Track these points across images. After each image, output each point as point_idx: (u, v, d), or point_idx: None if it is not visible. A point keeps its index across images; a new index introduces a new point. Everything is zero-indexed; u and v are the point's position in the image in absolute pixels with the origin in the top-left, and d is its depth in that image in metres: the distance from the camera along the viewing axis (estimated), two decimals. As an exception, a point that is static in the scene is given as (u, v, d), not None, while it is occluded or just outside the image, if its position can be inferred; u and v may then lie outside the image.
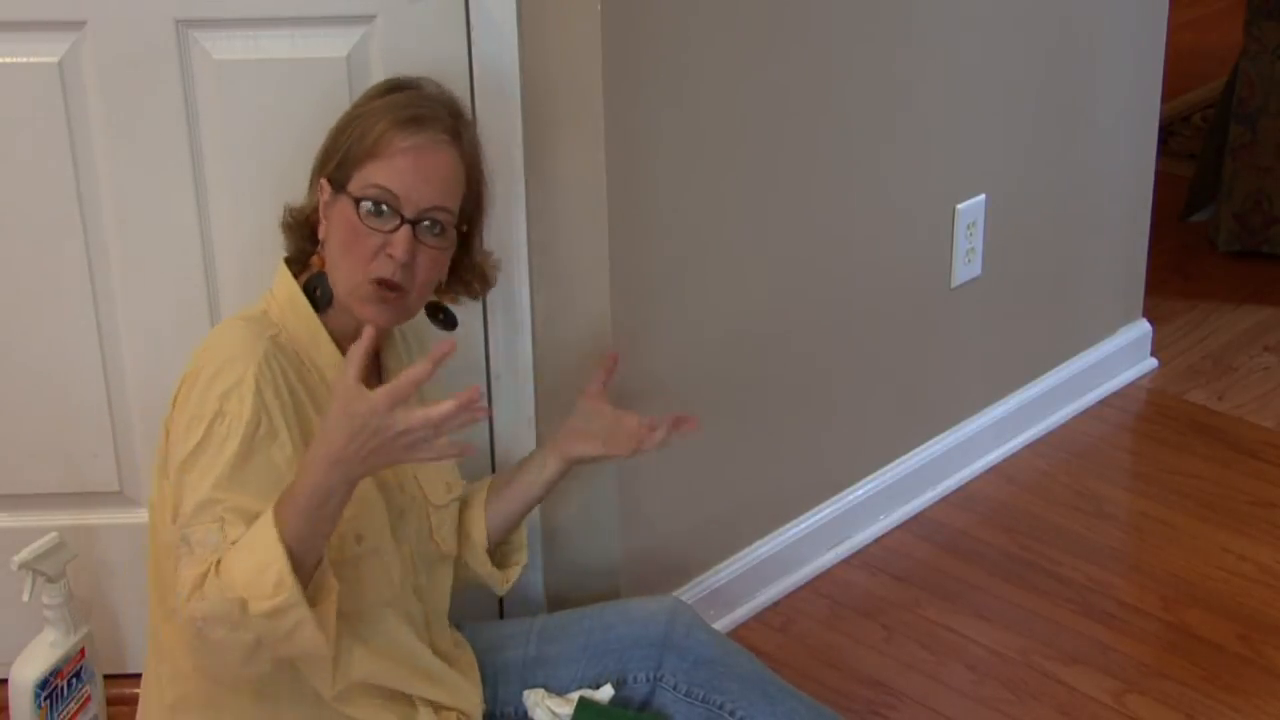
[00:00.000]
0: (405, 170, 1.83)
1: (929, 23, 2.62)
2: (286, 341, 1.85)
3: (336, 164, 1.86)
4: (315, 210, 1.90)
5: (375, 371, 1.96)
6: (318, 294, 1.88)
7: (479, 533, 2.13)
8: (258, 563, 1.67)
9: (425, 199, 1.84)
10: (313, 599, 1.70)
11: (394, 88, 1.92)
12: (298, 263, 1.94)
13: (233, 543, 1.71)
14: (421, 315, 1.98)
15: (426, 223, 1.85)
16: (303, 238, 1.93)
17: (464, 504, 2.14)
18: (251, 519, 1.71)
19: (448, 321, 2.00)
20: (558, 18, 2.15)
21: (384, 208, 1.83)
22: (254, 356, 1.79)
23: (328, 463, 1.66)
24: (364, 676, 1.89)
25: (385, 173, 1.83)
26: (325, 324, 1.89)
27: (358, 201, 1.83)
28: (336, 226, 1.86)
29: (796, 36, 2.40)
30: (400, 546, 1.95)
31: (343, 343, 1.88)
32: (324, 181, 1.88)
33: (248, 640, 1.69)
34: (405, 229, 1.83)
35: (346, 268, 1.85)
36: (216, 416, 1.75)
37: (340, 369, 1.79)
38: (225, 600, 1.67)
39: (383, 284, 1.84)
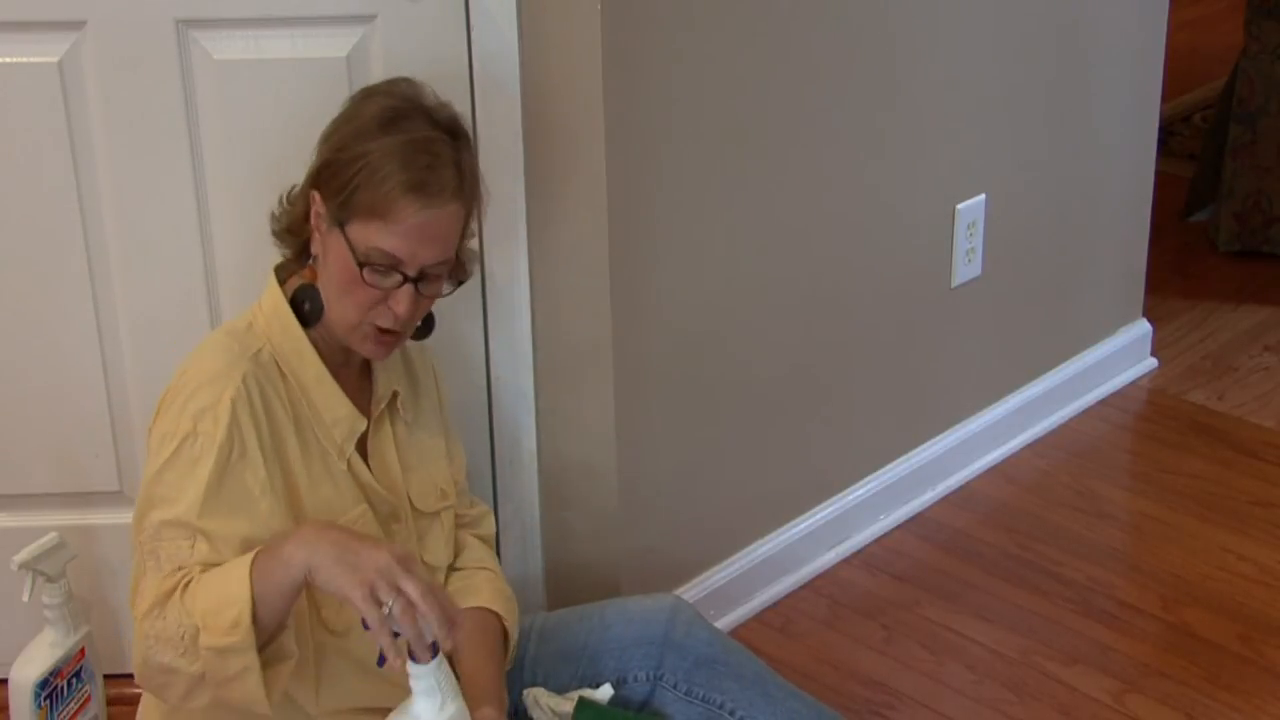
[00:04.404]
0: (412, 238, 1.79)
1: (929, 23, 2.62)
2: (269, 357, 1.84)
3: (339, 202, 1.80)
4: (306, 218, 1.86)
5: (365, 371, 1.96)
6: (307, 308, 1.86)
7: None
8: (221, 597, 1.66)
9: (429, 258, 1.81)
10: (268, 659, 1.69)
11: (397, 115, 1.82)
12: (287, 268, 1.92)
13: (200, 561, 1.72)
14: None
15: (428, 278, 1.84)
16: (293, 244, 1.90)
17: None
18: (219, 541, 1.73)
19: (425, 328, 1.96)
20: (558, 18, 2.15)
21: (386, 267, 1.80)
22: (233, 379, 1.78)
23: (311, 546, 1.65)
24: (353, 700, 1.89)
25: (392, 240, 1.78)
26: (311, 335, 1.87)
27: (360, 262, 1.79)
28: (333, 262, 1.83)
29: (796, 37, 2.40)
30: None
31: (327, 355, 1.88)
32: (317, 196, 1.83)
33: (192, 671, 1.69)
34: (408, 287, 1.81)
35: (344, 308, 1.83)
36: (189, 436, 1.76)
37: (323, 381, 1.83)
38: (180, 625, 1.68)
39: (382, 329, 1.84)
